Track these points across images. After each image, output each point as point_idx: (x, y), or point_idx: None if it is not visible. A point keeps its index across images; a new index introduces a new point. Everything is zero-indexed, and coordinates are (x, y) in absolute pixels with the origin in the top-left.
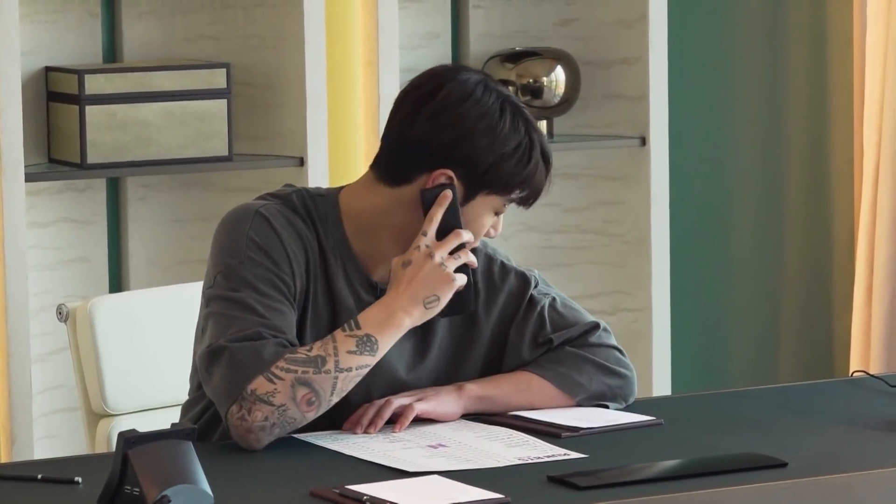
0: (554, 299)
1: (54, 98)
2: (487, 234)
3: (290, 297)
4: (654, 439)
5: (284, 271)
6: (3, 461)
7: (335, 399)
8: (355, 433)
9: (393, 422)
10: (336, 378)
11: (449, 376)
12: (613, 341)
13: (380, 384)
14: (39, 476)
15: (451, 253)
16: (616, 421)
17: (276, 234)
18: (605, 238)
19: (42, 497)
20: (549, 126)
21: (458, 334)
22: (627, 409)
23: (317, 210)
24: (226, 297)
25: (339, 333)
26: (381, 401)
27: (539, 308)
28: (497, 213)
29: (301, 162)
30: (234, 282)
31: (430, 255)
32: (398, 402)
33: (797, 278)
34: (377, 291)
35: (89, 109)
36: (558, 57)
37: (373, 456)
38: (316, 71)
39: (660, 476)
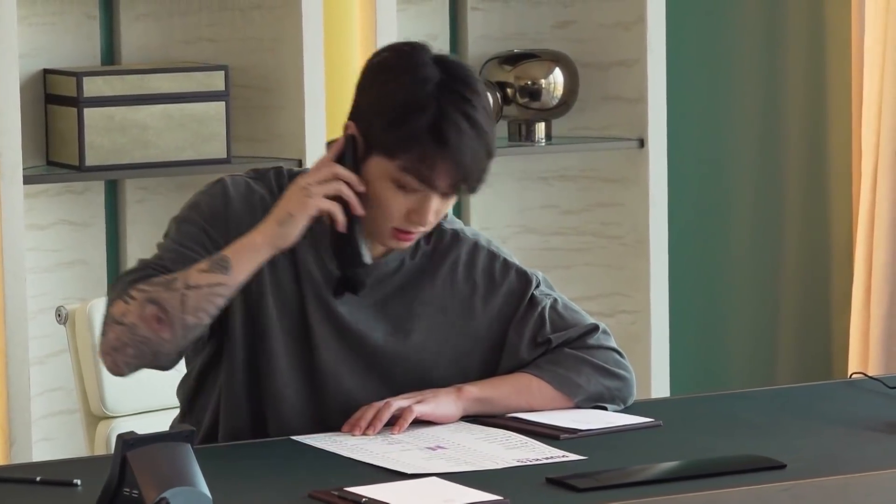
0: (556, 300)
1: (52, 100)
2: (410, 219)
3: (215, 246)
4: (652, 441)
5: (217, 230)
6: (1, 463)
7: (190, 318)
8: (354, 435)
9: (392, 424)
10: (185, 295)
11: (443, 367)
12: (613, 343)
13: (356, 356)
14: (38, 478)
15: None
16: (614, 422)
17: (226, 200)
18: (603, 240)
19: (41, 499)
20: (548, 128)
21: (451, 324)
22: (626, 410)
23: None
24: (158, 245)
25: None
26: (380, 402)
27: (540, 308)
28: (402, 188)
29: (299, 164)
30: (167, 235)
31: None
32: (397, 404)
33: (795, 280)
34: None
35: (87, 112)
36: (556, 59)
37: (371, 458)
38: (314, 73)
39: (658, 478)
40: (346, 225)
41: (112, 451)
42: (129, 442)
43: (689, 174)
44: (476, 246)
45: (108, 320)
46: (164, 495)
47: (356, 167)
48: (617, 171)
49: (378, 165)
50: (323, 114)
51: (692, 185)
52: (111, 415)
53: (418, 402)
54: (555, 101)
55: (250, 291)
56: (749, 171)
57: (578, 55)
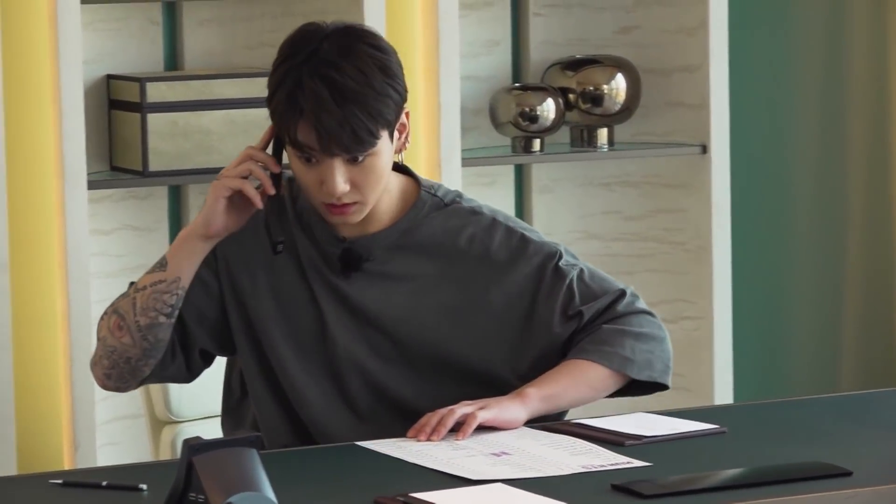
0: (582, 270)
1: (116, 106)
2: (324, 190)
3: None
4: (717, 447)
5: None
6: (66, 468)
7: (142, 319)
8: (419, 440)
9: (456, 430)
10: (134, 298)
11: (457, 343)
12: (641, 305)
13: (371, 335)
14: (104, 483)
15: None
16: (679, 429)
17: None
18: (665, 246)
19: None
20: (610, 134)
21: (467, 299)
22: (690, 417)
23: (289, 189)
24: None
25: None
26: (444, 409)
27: (568, 281)
28: (306, 160)
29: None
30: None
31: None
32: (461, 410)
33: (859, 285)
34: (344, 242)
35: (151, 117)
36: (619, 65)
37: (437, 464)
38: None
39: (724, 484)
40: (263, 202)
41: (178, 456)
42: (195, 447)
43: (751, 180)
44: (494, 222)
45: (97, 340)
46: (230, 500)
47: (278, 152)
48: (679, 176)
49: (288, 147)
50: None
51: (755, 190)
52: (176, 420)
53: (481, 408)
54: (617, 107)
55: (243, 302)
56: (812, 175)
57: (641, 61)
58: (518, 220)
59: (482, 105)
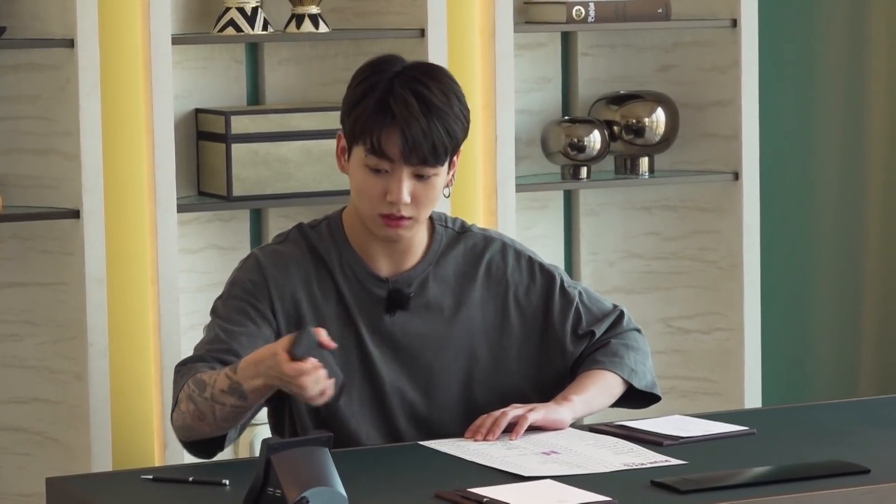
0: (580, 293)
1: (203, 137)
2: (387, 200)
3: (260, 316)
4: (746, 447)
5: (260, 299)
6: (157, 465)
7: (223, 424)
8: (476, 440)
9: (508, 431)
10: (214, 407)
11: (483, 365)
12: (633, 323)
13: (412, 370)
14: (191, 478)
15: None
16: (712, 430)
17: (261, 269)
18: (700, 264)
19: (193, 497)
20: (651, 162)
21: (493, 324)
22: (722, 420)
23: (318, 236)
24: (207, 326)
25: (226, 370)
26: (497, 412)
27: (575, 304)
28: (375, 171)
29: None
30: (215, 314)
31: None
32: (513, 413)
33: (877, 300)
34: (388, 284)
35: (235, 147)
36: (659, 100)
37: (491, 461)
38: None
39: (752, 481)
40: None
41: (256, 455)
42: (273, 446)
43: (779, 204)
44: (504, 246)
45: (174, 402)
46: (304, 494)
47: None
48: (713, 201)
49: (355, 156)
50: None
51: (782, 213)
52: (255, 422)
53: (531, 410)
54: (657, 138)
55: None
56: (834, 200)
57: (679, 96)
58: (518, 242)
59: (535, 136)
